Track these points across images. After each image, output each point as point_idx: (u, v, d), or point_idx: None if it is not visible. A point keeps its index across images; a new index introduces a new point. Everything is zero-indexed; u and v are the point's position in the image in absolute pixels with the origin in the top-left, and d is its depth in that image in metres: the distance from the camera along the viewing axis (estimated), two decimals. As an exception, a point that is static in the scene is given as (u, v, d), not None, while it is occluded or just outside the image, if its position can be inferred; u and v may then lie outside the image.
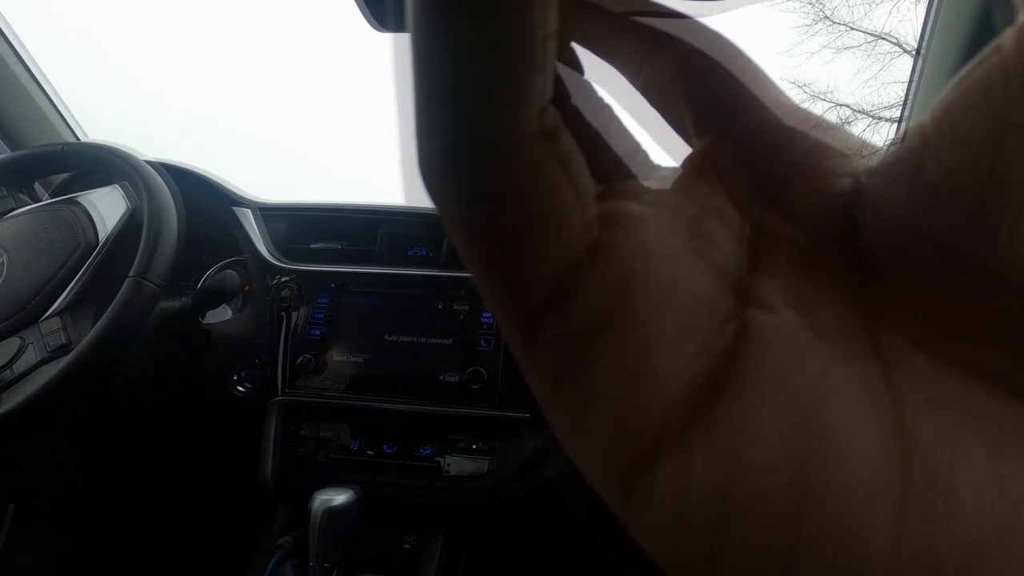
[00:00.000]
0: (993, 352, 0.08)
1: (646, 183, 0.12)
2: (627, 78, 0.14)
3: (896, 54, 4.03)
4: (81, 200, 0.75)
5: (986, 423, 0.08)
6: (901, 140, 0.10)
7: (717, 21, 0.13)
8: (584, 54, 0.13)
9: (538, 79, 0.08)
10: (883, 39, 4.05)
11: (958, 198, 0.08)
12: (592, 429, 0.09)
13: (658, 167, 0.13)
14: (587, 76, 0.13)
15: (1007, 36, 0.08)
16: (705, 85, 0.12)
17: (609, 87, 0.14)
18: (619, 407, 0.09)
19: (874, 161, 0.10)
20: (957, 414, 0.08)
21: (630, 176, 0.12)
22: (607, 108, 0.13)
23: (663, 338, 0.09)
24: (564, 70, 0.12)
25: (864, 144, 0.11)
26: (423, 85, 0.08)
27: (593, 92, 0.13)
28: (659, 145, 0.14)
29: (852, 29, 4.10)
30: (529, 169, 0.09)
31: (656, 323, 0.09)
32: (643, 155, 0.13)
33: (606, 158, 0.12)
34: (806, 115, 0.12)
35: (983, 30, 0.56)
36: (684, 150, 0.13)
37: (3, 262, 0.72)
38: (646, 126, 0.14)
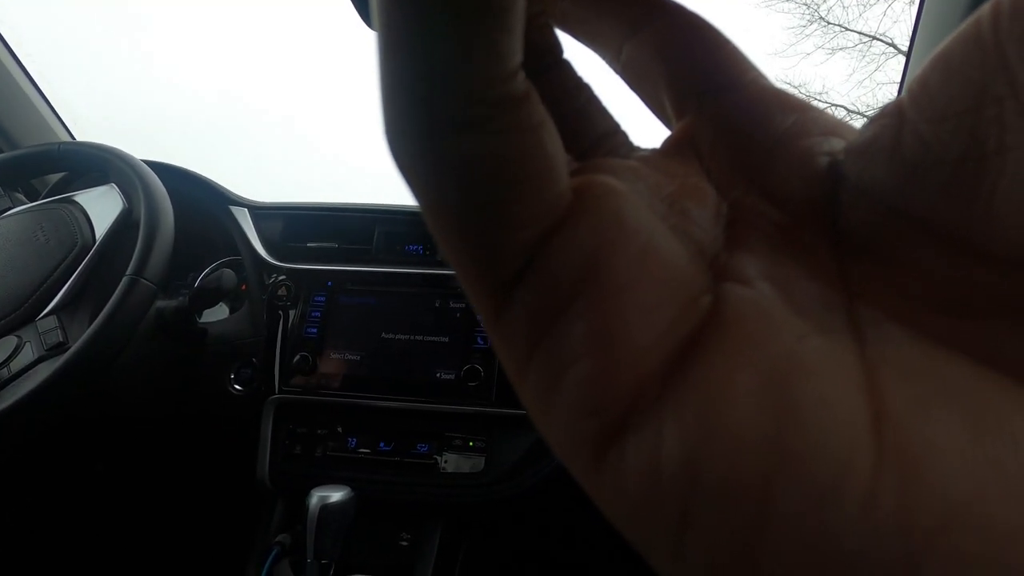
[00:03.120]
0: (968, 324, 0.08)
1: (625, 162, 0.11)
2: (606, 60, 0.14)
3: (890, 55, 4.05)
4: (78, 199, 0.75)
5: (959, 390, 0.08)
6: (879, 117, 0.10)
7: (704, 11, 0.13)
8: (563, 36, 0.13)
9: (506, 38, 0.08)
10: (877, 40, 4.08)
11: (936, 172, 0.08)
12: (563, 400, 0.09)
13: (637, 148, 0.13)
14: (566, 56, 0.13)
15: (984, 10, 0.08)
16: (684, 66, 0.12)
17: (588, 68, 0.14)
18: (591, 377, 0.09)
19: (852, 138, 0.10)
20: (930, 381, 0.08)
21: (609, 155, 0.12)
22: (586, 87, 0.13)
23: (636, 308, 0.09)
24: (543, 47, 0.12)
25: (842, 123, 0.11)
26: (388, 45, 0.08)
27: (572, 71, 0.13)
28: (637, 126, 0.14)
29: (846, 30, 4.12)
30: (498, 133, 0.08)
31: (629, 293, 0.09)
32: (622, 135, 0.13)
33: (584, 137, 0.12)
34: (785, 95, 0.12)
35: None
36: (663, 131, 0.13)
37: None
38: (624, 107, 0.14)
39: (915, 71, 0.09)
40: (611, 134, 0.13)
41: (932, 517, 0.07)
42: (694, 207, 0.11)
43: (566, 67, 0.13)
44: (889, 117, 0.09)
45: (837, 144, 0.11)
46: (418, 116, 0.08)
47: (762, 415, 0.08)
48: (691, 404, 0.08)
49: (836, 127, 0.11)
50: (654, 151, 0.12)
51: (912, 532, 0.07)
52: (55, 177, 0.91)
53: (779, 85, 0.12)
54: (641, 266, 0.09)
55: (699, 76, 0.12)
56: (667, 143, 0.12)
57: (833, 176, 0.10)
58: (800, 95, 0.12)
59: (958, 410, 0.07)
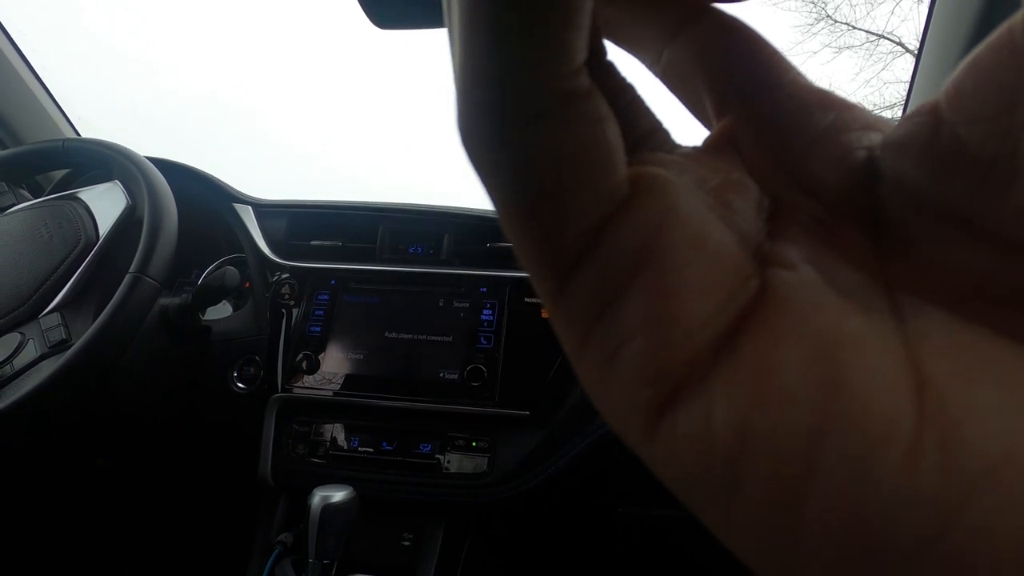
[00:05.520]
0: (1001, 311, 0.09)
1: (670, 156, 0.12)
2: (646, 65, 0.14)
3: (898, 53, 4.02)
4: (81, 196, 0.75)
5: (997, 365, 0.08)
6: (915, 114, 0.10)
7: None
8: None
9: (575, 36, 0.09)
10: (884, 39, 4.05)
11: (970, 170, 0.09)
12: (620, 373, 0.09)
13: (680, 145, 0.13)
14: (610, 58, 0.13)
15: (1017, 18, 0.08)
16: (725, 68, 0.13)
17: (630, 69, 0.14)
18: (647, 352, 0.09)
19: (889, 134, 0.11)
20: (968, 356, 0.08)
21: (654, 151, 0.12)
22: (630, 88, 0.13)
23: (689, 289, 0.09)
24: (590, 50, 0.13)
25: (879, 119, 0.11)
26: (467, 44, 0.09)
27: (617, 72, 0.13)
28: (680, 126, 0.14)
29: (853, 28, 4.09)
30: (567, 124, 0.09)
31: (683, 274, 0.09)
32: (665, 133, 0.13)
33: (630, 134, 0.13)
34: (824, 93, 0.12)
35: (983, 29, 0.56)
36: (703, 131, 0.14)
37: (3, 257, 0.72)
38: (663, 108, 0.14)
39: (927, 70, 0.09)
40: (654, 131, 0.13)
41: (970, 469, 0.07)
42: (737, 200, 0.11)
43: (611, 69, 0.13)
44: (925, 116, 0.10)
45: (875, 138, 0.11)
46: (494, 109, 0.09)
47: (809, 383, 0.08)
48: (741, 375, 0.09)
49: (875, 123, 0.11)
50: (696, 148, 0.13)
51: (952, 481, 0.07)
52: (59, 173, 0.91)
53: (816, 83, 0.12)
54: (694, 250, 0.09)
55: (740, 77, 0.13)
56: (708, 141, 0.13)
57: (870, 170, 0.11)
58: (839, 94, 0.12)
59: (994, 380, 0.08)
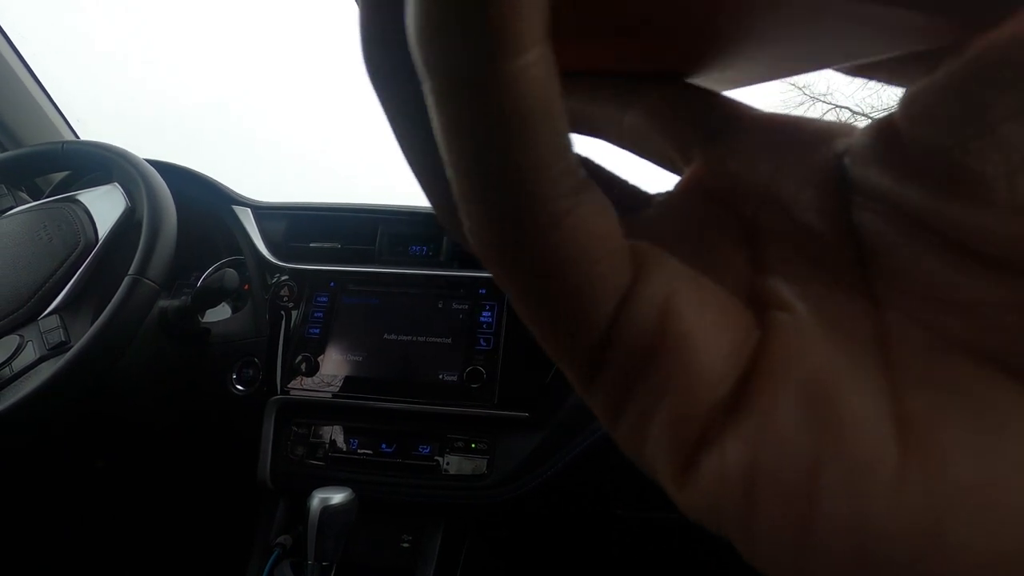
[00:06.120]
0: (976, 323, 0.09)
1: (649, 218, 0.13)
2: (607, 139, 0.15)
3: (895, 56, 4.01)
4: (81, 198, 0.75)
5: (969, 394, 0.09)
6: (878, 121, 0.10)
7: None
8: None
9: (565, 136, 0.09)
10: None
11: (933, 173, 0.09)
12: (652, 438, 0.10)
13: (652, 196, 0.14)
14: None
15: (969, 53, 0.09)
16: (683, 120, 0.13)
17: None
18: (673, 417, 0.10)
19: (855, 142, 0.11)
20: (944, 387, 0.09)
21: (627, 212, 0.13)
22: (586, 159, 0.14)
23: (703, 353, 0.10)
24: None
25: (843, 126, 0.12)
26: (462, 169, 0.09)
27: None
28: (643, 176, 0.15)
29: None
30: (585, 218, 0.09)
31: (695, 341, 0.10)
32: (634, 190, 0.14)
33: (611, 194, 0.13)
34: (782, 117, 0.13)
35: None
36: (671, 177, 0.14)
37: (2, 259, 0.72)
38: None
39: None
40: (626, 194, 0.14)
41: (948, 499, 0.08)
42: (718, 236, 0.12)
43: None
44: (887, 123, 0.10)
45: (842, 145, 0.11)
46: (501, 222, 0.09)
47: (805, 424, 0.09)
48: (749, 422, 0.10)
49: (839, 131, 0.12)
50: (668, 194, 0.13)
51: (933, 504, 0.08)
52: (58, 175, 0.91)
53: (773, 111, 0.13)
54: (700, 316, 0.10)
55: (699, 123, 0.13)
56: (680, 187, 0.13)
57: (841, 181, 0.11)
58: (796, 115, 0.13)
59: (968, 412, 0.09)
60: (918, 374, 0.09)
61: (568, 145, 0.09)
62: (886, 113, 0.10)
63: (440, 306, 0.83)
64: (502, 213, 0.09)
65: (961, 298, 0.09)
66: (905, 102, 0.10)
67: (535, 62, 0.08)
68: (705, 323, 0.10)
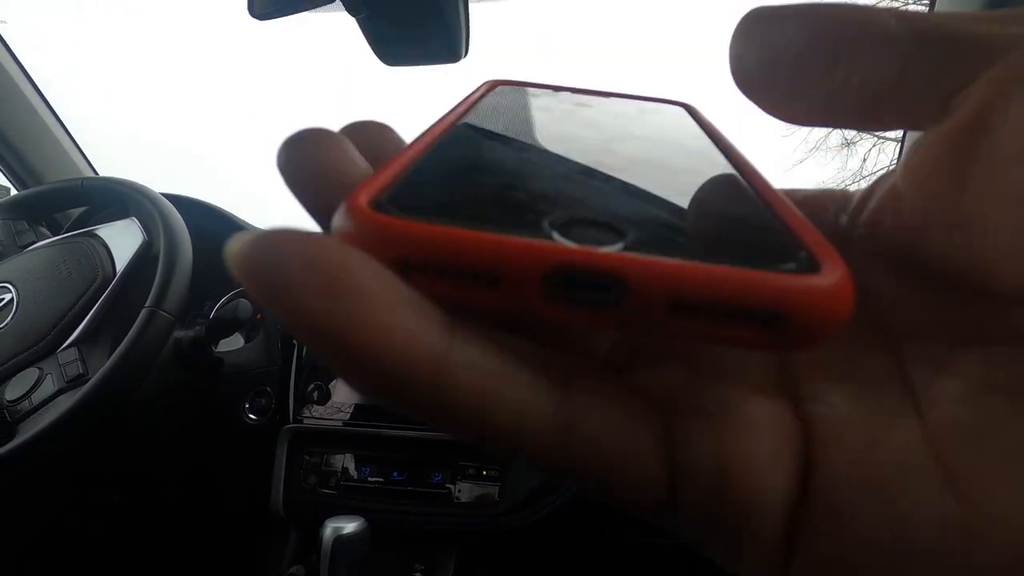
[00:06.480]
0: (994, 354, 0.09)
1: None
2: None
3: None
4: (99, 233, 0.77)
5: (1004, 436, 0.09)
6: (879, 181, 0.11)
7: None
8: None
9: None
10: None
11: (934, 230, 0.10)
12: (743, 556, 0.10)
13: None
14: None
15: (961, 105, 0.10)
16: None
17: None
18: (747, 535, 0.10)
19: (853, 204, 0.12)
20: (979, 436, 0.09)
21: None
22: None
23: (760, 470, 0.10)
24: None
25: (835, 191, 0.13)
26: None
27: None
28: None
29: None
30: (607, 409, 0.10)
31: (749, 474, 0.10)
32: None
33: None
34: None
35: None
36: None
37: (23, 294, 0.73)
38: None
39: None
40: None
41: (999, 539, 0.09)
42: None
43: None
44: (888, 184, 0.11)
45: (839, 212, 0.12)
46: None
47: (869, 516, 0.09)
48: (819, 525, 0.10)
49: (829, 197, 0.12)
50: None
51: (976, 544, 0.09)
52: (76, 210, 0.94)
53: None
54: (750, 448, 0.10)
55: None
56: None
57: (845, 240, 0.11)
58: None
59: (1010, 458, 0.09)
60: (954, 429, 0.09)
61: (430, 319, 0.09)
62: (886, 174, 0.11)
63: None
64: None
65: (974, 331, 0.10)
66: (905, 158, 0.10)
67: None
68: (757, 452, 0.10)
